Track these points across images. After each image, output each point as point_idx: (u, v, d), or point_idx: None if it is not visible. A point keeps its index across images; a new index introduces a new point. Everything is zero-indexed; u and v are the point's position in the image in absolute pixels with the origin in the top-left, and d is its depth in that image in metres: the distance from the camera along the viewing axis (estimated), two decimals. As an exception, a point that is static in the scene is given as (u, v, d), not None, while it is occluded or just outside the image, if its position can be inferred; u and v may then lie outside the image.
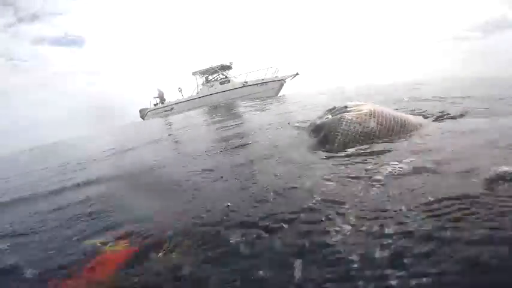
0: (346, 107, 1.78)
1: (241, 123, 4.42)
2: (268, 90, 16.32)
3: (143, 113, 19.06)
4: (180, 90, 18.23)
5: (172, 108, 18.09)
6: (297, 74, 16.22)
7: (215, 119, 6.14)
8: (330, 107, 1.96)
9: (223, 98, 16.68)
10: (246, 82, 16.53)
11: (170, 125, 7.88)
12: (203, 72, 17.88)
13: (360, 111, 1.70)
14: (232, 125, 4.10)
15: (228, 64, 17.66)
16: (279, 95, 16.53)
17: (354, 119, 1.65)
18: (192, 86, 18.36)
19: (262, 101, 10.89)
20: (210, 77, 17.98)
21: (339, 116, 1.72)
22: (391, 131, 1.66)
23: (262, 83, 16.36)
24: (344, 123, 1.65)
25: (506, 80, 5.17)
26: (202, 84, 17.73)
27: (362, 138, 1.61)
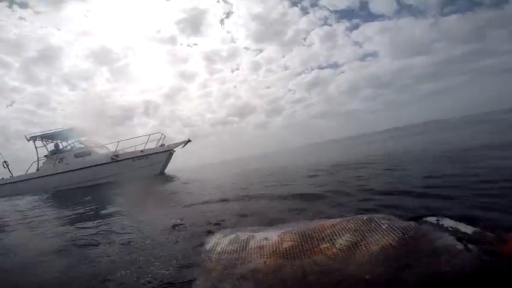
0: None
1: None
2: (152, 165, 12.21)
3: None
4: (7, 166, 11.65)
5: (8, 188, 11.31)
6: (189, 140, 12.87)
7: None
8: None
9: (79, 179, 11.39)
10: (117, 156, 11.85)
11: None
12: (47, 137, 12.07)
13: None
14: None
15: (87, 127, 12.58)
16: (165, 171, 12.65)
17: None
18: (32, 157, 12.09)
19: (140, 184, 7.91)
20: (61, 145, 12.30)
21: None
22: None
23: (143, 156, 12.11)
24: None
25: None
26: (46, 156, 11.80)
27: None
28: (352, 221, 1.42)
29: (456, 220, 1.45)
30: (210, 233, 1.89)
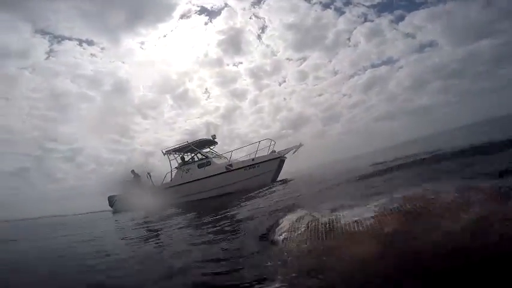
0: None
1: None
2: (263, 173, 11.49)
3: (111, 201, 14.73)
4: (149, 177, 13.84)
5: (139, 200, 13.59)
6: (301, 145, 11.47)
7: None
8: None
9: (202, 188, 12.00)
10: (231, 165, 11.83)
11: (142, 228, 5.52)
12: (177, 151, 13.57)
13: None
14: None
15: (210, 138, 13.28)
16: (277, 180, 11.63)
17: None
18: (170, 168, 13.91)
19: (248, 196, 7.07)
20: (187, 157, 13.57)
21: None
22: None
23: (254, 165, 11.60)
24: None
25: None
26: (177, 168, 13.26)
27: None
28: (478, 190, 1.02)
29: None
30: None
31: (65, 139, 40.23)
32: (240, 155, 12.75)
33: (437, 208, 1.02)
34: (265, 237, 1.71)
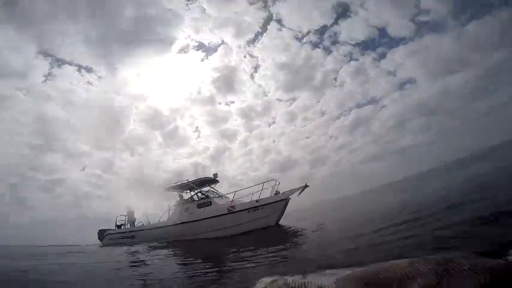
0: None
1: None
2: (267, 216, 10.91)
3: (101, 235, 13.67)
4: (146, 215, 13.05)
5: (133, 236, 12.61)
6: (306, 185, 11.11)
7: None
8: None
9: (200, 229, 11.24)
10: (233, 207, 11.27)
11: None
12: (178, 188, 13.03)
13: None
14: None
15: (211, 177, 12.88)
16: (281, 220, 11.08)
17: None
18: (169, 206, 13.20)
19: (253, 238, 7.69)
20: (186, 196, 12.99)
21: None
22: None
23: (258, 207, 11.06)
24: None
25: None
26: (176, 205, 12.59)
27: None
28: (425, 262, 1.20)
29: None
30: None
31: (47, 169, 38.07)
32: (242, 193, 12.20)
33: (389, 278, 1.20)
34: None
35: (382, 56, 52.87)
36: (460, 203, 4.38)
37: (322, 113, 58.45)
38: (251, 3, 58.03)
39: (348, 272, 1.41)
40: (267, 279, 1.66)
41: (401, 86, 50.90)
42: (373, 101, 54.14)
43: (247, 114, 62.25)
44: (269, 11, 57.67)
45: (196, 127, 65.24)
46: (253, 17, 59.59)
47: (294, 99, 60.80)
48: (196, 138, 57.67)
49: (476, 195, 4.74)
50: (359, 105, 55.72)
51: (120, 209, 13.93)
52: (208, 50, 71.92)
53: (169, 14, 49.68)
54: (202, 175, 13.07)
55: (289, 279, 1.54)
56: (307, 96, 62.18)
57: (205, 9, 55.62)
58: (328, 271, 1.56)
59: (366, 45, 54.82)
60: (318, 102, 59.62)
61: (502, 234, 2.09)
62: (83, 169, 42.13)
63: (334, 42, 53.05)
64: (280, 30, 55.43)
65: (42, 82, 41.61)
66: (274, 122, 62.91)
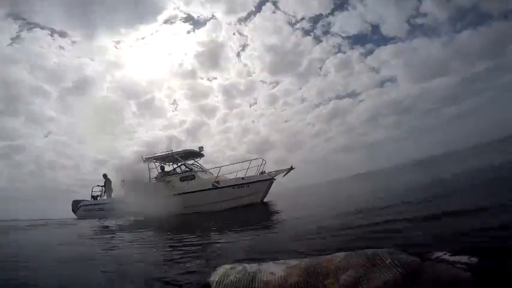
0: None
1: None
2: (252, 194, 10.88)
3: (75, 207, 12.89)
4: (123, 184, 12.37)
5: (110, 208, 11.97)
6: (292, 168, 11.17)
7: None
8: None
9: (182, 203, 10.92)
10: (218, 182, 11.03)
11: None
12: (159, 159, 12.42)
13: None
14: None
15: (196, 150, 12.40)
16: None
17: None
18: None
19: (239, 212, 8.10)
20: (168, 168, 12.46)
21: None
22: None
23: (244, 184, 10.95)
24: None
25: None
26: (156, 178, 12.05)
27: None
28: (357, 256, 1.45)
29: (461, 253, 1.45)
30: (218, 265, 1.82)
31: (6, 134, 34.44)
32: (226, 170, 11.92)
33: (327, 268, 1.42)
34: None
35: (370, 52, 53.01)
36: (406, 202, 4.51)
37: (303, 100, 58.37)
38: (250, -19, 53.93)
39: (296, 261, 1.61)
40: (227, 266, 1.75)
41: (382, 83, 52.00)
42: (352, 94, 54.96)
43: (229, 91, 60.23)
44: (267, -9, 54.10)
45: (174, 100, 61.89)
46: (250, -5, 55.74)
47: (277, 83, 59.79)
48: (173, 111, 55.06)
49: (424, 194, 4.98)
50: (339, 97, 56.41)
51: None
52: (196, 23, 66.84)
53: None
54: (176, 149, 12.41)
55: (247, 266, 1.67)
56: (291, 82, 61.31)
57: (200, -20, 50.69)
58: (281, 261, 1.70)
59: (356, 40, 54.39)
60: (300, 88, 59.21)
61: (426, 234, 2.37)
62: (47, 135, 38.75)
63: (326, 32, 51.86)
64: (275, 12, 52.69)
65: (8, 45, 36.27)
66: (255, 103, 61.85)
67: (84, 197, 13.10)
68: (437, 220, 2.95)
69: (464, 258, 1.38)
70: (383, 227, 3.07)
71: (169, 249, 3.77)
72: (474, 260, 1.35)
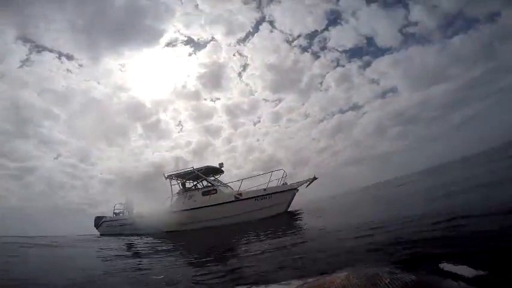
0: None
1: None
2: (274, 205, 10.90)
3: (97, 223, 12.96)
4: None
5: (132, 224, 12.00)
6: (315, 178, 11.22)
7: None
8: None
9: (205, 216, 10.97)
10: (240, 194, 11.16)
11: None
12: (180, 176, 12.68)
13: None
14: None
15: (217, 167, 12.71)
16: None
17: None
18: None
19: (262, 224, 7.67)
20: (189, 184, 12.68)
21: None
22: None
23: (266, 195, 11.03)
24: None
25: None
26: (178, 193, 12.24)
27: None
28: (358, 276, 1.47)
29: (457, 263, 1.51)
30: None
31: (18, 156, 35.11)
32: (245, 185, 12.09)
33: None
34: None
35: (368, 64, 55.16)
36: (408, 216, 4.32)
37: (306, 116, 59.20)
38: (245, 3, 58.01)
39: (299, 282, 1.67)
40: None
41: (384, 94, 53.31)
42: (355, 107, 55.94)
43: (232, 111, 61.52)
44: (262, 12, 57.75)
45: (179, 121, 63.31)
46: (246, 17, 59.39)
47: (280, 100, 61.08)
48: (179, 132, 56.00)
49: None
50: (341, 111, 57.36)
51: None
52: (197, 45, 70.37)
53: (161, 6, 48.81)
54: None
55: None
56: (293, 98, 62.72)
57: (198, 5, 55.25)
58: (283, 282, 1.78)
59: (353, 53, 56.71)
60: (303, 105, 60.37)
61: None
62: (57, 157, 39.38)
63: (323, 47, 54.28)
64: (272, 31, 55.98)
65: (18, 68, 38.83)
66: (259, 121, 62.70)
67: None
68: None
69: (466, 270, 1.41)
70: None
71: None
72: (477, 272, 1.36)
